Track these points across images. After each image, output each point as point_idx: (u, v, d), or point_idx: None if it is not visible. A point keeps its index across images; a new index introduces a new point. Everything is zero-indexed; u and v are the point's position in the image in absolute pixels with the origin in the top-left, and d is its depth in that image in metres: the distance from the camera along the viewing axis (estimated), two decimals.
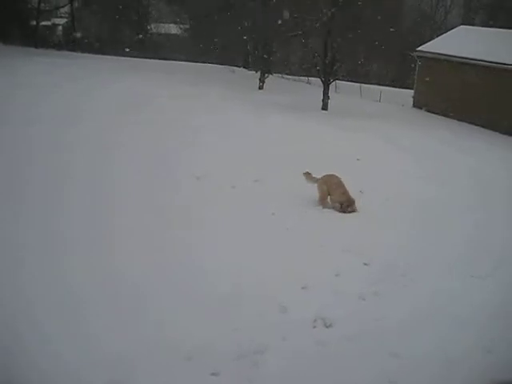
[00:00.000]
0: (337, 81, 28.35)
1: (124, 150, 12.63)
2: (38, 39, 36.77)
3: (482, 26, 37.61)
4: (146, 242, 8.02)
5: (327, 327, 6.26)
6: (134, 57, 36.64)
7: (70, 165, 11.06)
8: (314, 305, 6.64)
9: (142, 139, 13.91)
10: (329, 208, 10.88)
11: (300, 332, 6.09)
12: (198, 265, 7.46)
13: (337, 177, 10.90)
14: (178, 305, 6.33)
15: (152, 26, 49.24)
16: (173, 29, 49.80)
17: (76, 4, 42.63)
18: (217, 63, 38.10)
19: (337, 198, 10.76)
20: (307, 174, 11.13)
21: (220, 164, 12.78)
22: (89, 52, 36.07)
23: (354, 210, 10.69)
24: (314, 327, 6.26)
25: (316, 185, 10.96)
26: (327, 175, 10.95)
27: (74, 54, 34.83)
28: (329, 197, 10.93)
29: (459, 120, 26.14)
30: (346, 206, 10.66)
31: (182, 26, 49.18)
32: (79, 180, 10.34)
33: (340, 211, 10.65)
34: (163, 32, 49.23)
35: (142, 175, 11.16)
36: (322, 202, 10.89)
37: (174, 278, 7.01)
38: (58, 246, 7.58)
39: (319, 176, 11.02)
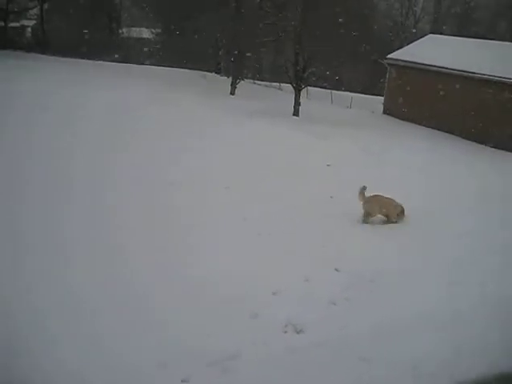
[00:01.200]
0: (308, 87, 28.52)
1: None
2: (6, 41, 36.23)
3: (451, 35, 38.20)
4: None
5: (298, 333, 6.27)
6: (105, 61, 36.34)
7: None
8: (284, 310, 6.65)
9: (109, 147, 13.75)
10: (370, 223, 11.17)
11: (271, 338, 6.09)
12: (174, 270, 7.43)
13: (382, 196, 11.35)
14: (149, 312, 6.30)
15: (124, 29, 48.90)
16: (144, 33, 49.52)
17: (46, 6, 42.06)
18: (188, 68, 38.00)
19: (393, 211, 11.28)
20: (362, 190, 11.31)
21: (191, 170, 12.74)
22: (58, 55, 35.62)
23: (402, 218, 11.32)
24: (285, 333, 6.26)
25: (363, 205, 11.27)
26: (376, 196, 11.31)
27: (44, 56, 34.38)
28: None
29: (428, 127, 26.44)
30: (400, 214, 11.30)
31: (153, 30, 48.93)
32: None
33: (389, 222, 11.26)
34: (135, 36, 48.91)
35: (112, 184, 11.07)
36: (367, 218, 11.25)
37: (141, 284, 6.98)
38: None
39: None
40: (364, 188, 11.30)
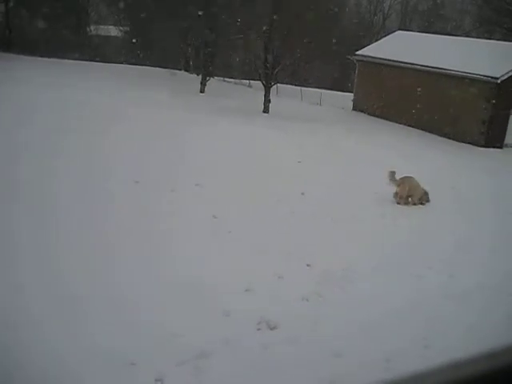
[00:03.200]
0: (278, 84, 28.54)
1: (61, 157, 12.32)
2: None
3: (419, 32, 38.61)
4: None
5: (271, 329, 6.27)
6: (73, 59, 35.91)
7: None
8: (257, 307, 6.65)
9: (81, 146, 13.59)
10: (403, 204, 12.52)
11: (244, 335, 6.08)
12: (144, 269, 7.37)
13: (414, 178, 12.63)
14: (119, 311, 6.23)
15: (92, 27, 48.31)
16: (113, 31, 49.01)
17: (11, 3, 41.35)
18: (158, 66, 37.76)
19: (418, 194, 12.55)
20: (391, 173, 12.59)
21: (160, 168, 12.65)
22: (24, 53, 35.09)
23: (427, 201, 12.66)
24: (259, 330, 6.26)
25: (396, 187, 12.55)
26: (407, 177, 12.58)
27: (8, 55, 33.84)
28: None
29: (397, 122, 26.72)
30: (425, 199, 12.64)
31: (122, 28, 48.46)
32: None
33: (417, 203, 12.59)
34: (103, 34, 48.34)
35: (80, 184, 10.93)
36: (401, 199, 12.60)
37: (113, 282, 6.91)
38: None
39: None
40: (393, 172, 12.53)
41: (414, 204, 12.64)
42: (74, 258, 7.43)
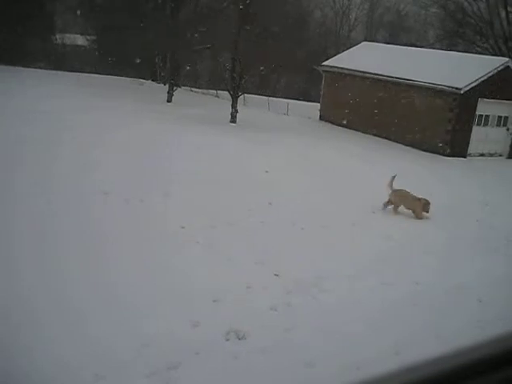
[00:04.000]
0: (245, 94, 28.60)
1: (23, 167, 12.17)
2: None
3: (384, 43, 39.17)
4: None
5: (240, 339, 6.26)
6: (38, 68, 35.48)
7: None
8: (226, 317, 6.63)
9: (47, 156, 13.43)
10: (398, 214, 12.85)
11: (213, 346, 6.05)
12: (105, 279, 7.29)
13: (405, 190, 12.88)
14: (86, 325, 6.15)
15: (57, 36, 47.75)
16: (79, 40, 48.54)
17: None
18: (125, 75, 37.55)
19: (417, 206, 12.71)
20: (392, 178, 12.88)
21: (127, 178, 12.56)
22: None
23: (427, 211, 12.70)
24: (227, 340, 6.24)
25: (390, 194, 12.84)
26: (400, 190, 12.85)
27: None
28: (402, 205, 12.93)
29: (363, 132, 26.97)
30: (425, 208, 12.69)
31: (88, 37, 48.04)
32: None
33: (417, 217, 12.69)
34: (69, 43, 47.82)
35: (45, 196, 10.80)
36: (386, 205, 12.98)
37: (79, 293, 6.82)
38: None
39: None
40: (394, 177, 12.80)
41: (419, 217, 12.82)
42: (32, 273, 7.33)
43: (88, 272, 7.49)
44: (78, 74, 35.81)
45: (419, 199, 12.71)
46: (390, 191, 12.86)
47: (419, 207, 12.71)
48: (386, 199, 12.96)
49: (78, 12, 42.62)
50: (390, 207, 13.00)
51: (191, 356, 5.75)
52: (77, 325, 6.08)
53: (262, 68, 26.55)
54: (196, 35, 28.28)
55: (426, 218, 12.74)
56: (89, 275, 7.39)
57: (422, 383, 0.89)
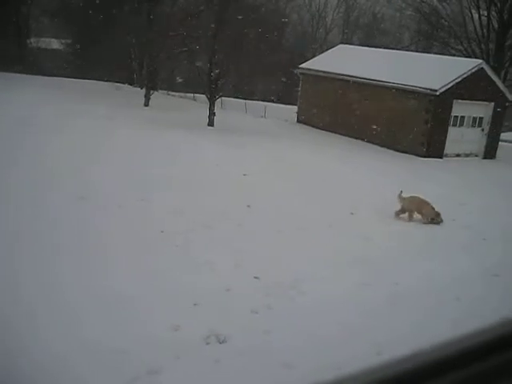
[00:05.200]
0: (222, 97, 28.60)
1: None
2: None
3: (360, 45, 39.43)
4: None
5: (221, 343, 6.27)
6: (12, 72, 35.07)
7: None
8: (206, 321, 6.63)
9: (19, 160, 13.31)
10: (413, 221, 12.85)
11: (194, 349, 6.05)
12: (89, 284, 7.25)
13: (420, 197, 12.98)
14: (70, 329, 6.12)
15: (32, 40, 47.30)
16: (54, 43, 48.11)
17: None
18: (101, 80, 37.30)
19: (428, 212, 12.79)
20: (400, 195, 12.96)
21: (104, 183, 12.49)
22: None
23: (439, 222, 12.80)
24: (208, 344, 6.24)
25: (403, 203, 12.93)
26: (413, 197, 12.98)
27: None
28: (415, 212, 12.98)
29: (340, 134, 27.09)
30: (435, 217, 12.78)
31: (63, 40, 47.64)
32: None
33: (428, 223, 12.77)
34: (44, 47, 47.40)
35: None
36: (400, 214, 13.02)
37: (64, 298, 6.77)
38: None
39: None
40: (401, 192, 12.93)
41: (425, 223, 12.89)
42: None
43: (65, 275, 7.44)
44: (53, 78, 35.50)
45: (433, 207, 12.85)
46: (402, 201, 12.95)
47: (432, 213, 12.82)
48: (398, 207, 12.99)
49: (53, 16, 42.28)
50: (404, 215, 13.05)
51: (172, 360, 5.75)
52: (49, 330, 6.05)
53: (238, 71, 26.54)
54: (172, 38, 28.18)
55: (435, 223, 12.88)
56: (66, 279, 7.34)
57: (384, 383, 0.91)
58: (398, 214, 13.03)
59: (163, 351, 5.89)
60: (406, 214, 13.02)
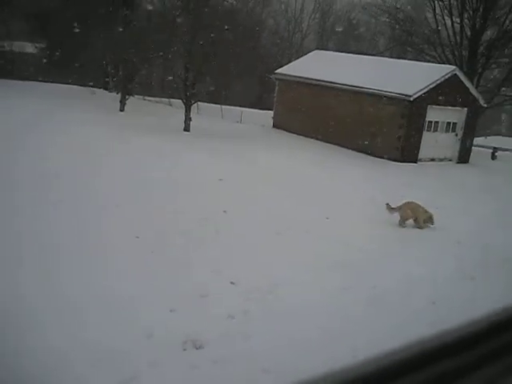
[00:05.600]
0: (198, 102, 28.54)
1: None
2: None
3: (336, 51, 39.66)
4: None
5: (197, 349, 6.22)
6: None
7: None
8: (183, 327, 6.59)
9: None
10: (406, 227, 13.12)
11: (170, 356, 6.00)
12: (59, 289, 7.16)
13: (414, 202, 13.13)
14: (40, 339, 6.03)
15: (5, 43, 46.70)
16: (28, 47, 47.55)
17: None
18: (76, 84, 36.98)
19: (422, 216, 13.00)
20: (388, 205, 13.09)
21: (78, 189, 12.36)
22: None
23: (431, 224, 13.05)
24: (184, 350, 6.19)
25: (398, 212, 13.09)
26: (409, 202, 13.12)
27: None
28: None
29: (316, 139, 27.18)
30: (428, 220, 13.02)
31: (37, 44, 47.12)
32: None
33: (419, 227, 13.08)
34: (17, 51, 46.82)
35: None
36: (404, 221, 13.16)
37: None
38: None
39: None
40: (388, 204, 13.04)
41: (420, 227, 13.11)
42: None
43: (36, 282, 7.34)
44: (27, 82, 35.12)
45: (426, 210, 13.06)
46: (396, 211, 13.07)
47: (424, 217, 13.02)
48: (398, 218, 13.16)
49: (27, 19, 41.81)
50: (408, 222, 13.23)
51: (148, 367, 5.69)
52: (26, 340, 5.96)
53: (215, 76, 26.51)
54: (148, 43, 28.07)
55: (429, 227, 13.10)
56: (37, 285, 7.24)
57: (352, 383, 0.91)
58: (401, 223, 13.17)
59: (139, 358, 5.83)
60: (411, 220, 13.24)
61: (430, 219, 13.04)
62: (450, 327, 1.04)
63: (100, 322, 6.55)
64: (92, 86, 37.06)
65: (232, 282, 8.30)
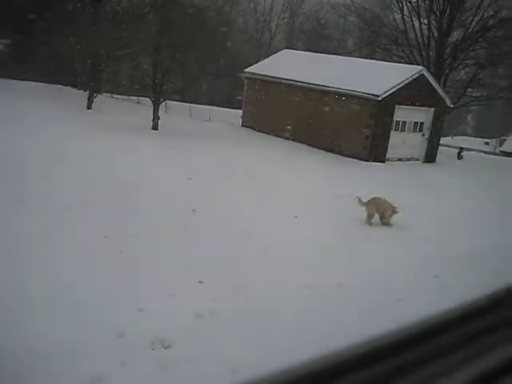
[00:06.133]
0: (167, 101, 28.40)
1: None
2: None
3: (304, 50, 39.82)
4: None
5: (166, 348, 6.19)
6: None
7: None
8: (151, 327, 6.55)
9: None
10: (371, 224, 13.25)
11: (139, 356, 5.96)
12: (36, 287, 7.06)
13: (380, 198, 13.26)
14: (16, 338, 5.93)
15: None
16: None
17: None
18: (42, 81, 36.44)
19: (389, 210, 13.13)
20: (359, 199, 13.17)
21: (43, 189, 12.16)
22: None
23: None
24: (153, 349, 6.16)
25: (365, 206, 13.17)
26: (374, 198, 13.22)
27: None
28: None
29: (285, 138, 27.29)
30: (391, 214, 13.17)
31: (3, 40, 46.32)
32: None
33: (383, 222, 13.28)
34: None
35: None
36: (370, 219, 13.25)
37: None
38: None
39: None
40: (358, 197, 13.13)
41: (385, 224, 13.27)
42: None
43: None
44: None
45: (393, 206, 13.14)
46: (365, 205, 13.17)
47: (390, 212, 13.14)
48: (365, 214, 13.26)
49: None
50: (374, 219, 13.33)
51: (117, 367, 5.64)
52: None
53: (183, 74, 26.40)
54: (116, 40, 27.84)
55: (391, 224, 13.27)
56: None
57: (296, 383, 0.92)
58: (368, 220, 13.27)
59: (108, 358, 5.78)
60: (377, 217, 13.33)
61: (394, 211, 13.12)
62: (393, 328, 1.06)
63: (72, 320, 6.47)
64: (59, 84, 36.60)
65: (200, 281, 8.29)
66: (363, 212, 13.30)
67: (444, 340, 1.09)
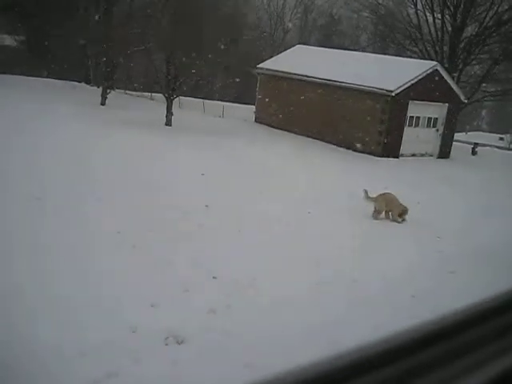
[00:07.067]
0: (180, 97, 28.44)
1: None
2: None
3: (318, 46, 39.70)
4: None
5: (179, 344, 6.19)
6: None
7: None
8: (164, 322, 6.55)
9: None
10: (380, 219, 13.10)
11: (152, 352, 5.96)
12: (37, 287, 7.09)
13: (391, 194, 13.07)
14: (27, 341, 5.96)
15: None
16: (7, 40, 46.94)
17: None
18: (56, 78, 36.61)
19: (396, 209, 12.92)
20: (365, 193, 13.04)
21: (59, 184, 12.23)
22: None
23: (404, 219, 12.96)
24: (166, 345, 6.16)
25: (373, 202, 13.03)
26: (385, 193, 13.07)
27: None
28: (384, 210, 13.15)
29: (298, 134, 27.23)
30: (402, 214, 12.94)
31: (17, 37, 46.54)
32: None
33: (392, 220, 13.02)
34: None
35: None
36: (378, 215, 13.11)
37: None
38: None
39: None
40: (365, 191, 12.96)
41: (394, 220, 13.06)
42: None
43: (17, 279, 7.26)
44: (5, 75, 34.70)
45: (401, 204, 12.96)
46: (373, 200, 13.02)
47: (399, 211, 12.96)
48: (372, 209, 13.13)
49: (6, 12, 41.31)
50: (382, 215, 13.20)
51: (131, 363, 5.65)
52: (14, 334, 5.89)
53: (197, 70, 26.39)
54: (130, 37, 27.90)
55: (404, 221, 13.09)
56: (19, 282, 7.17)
57: None
58: (375, 215, 13.12)
59: (121, 354, 5.78)
60: (383, 213, 13.18)
61: (404, 213, 12.94)
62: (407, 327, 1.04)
63: (86, 316, 6.50)
64: (73, 80, 36.74)
65: (214, 277, 8.28)
66: (370, 207, 13.19)
67: (462, 338, 1.08)
